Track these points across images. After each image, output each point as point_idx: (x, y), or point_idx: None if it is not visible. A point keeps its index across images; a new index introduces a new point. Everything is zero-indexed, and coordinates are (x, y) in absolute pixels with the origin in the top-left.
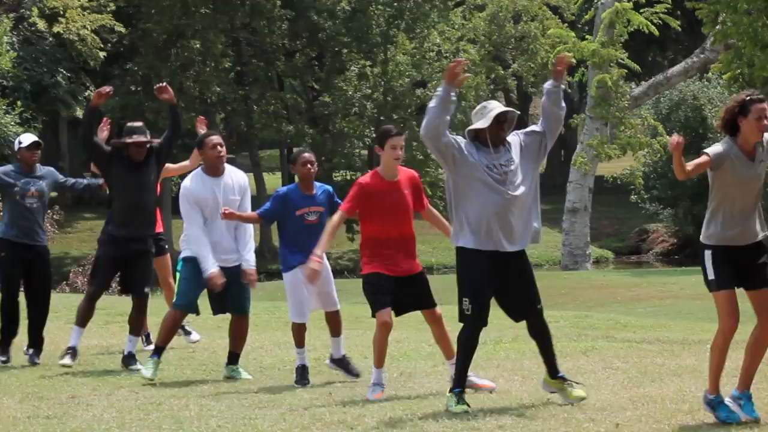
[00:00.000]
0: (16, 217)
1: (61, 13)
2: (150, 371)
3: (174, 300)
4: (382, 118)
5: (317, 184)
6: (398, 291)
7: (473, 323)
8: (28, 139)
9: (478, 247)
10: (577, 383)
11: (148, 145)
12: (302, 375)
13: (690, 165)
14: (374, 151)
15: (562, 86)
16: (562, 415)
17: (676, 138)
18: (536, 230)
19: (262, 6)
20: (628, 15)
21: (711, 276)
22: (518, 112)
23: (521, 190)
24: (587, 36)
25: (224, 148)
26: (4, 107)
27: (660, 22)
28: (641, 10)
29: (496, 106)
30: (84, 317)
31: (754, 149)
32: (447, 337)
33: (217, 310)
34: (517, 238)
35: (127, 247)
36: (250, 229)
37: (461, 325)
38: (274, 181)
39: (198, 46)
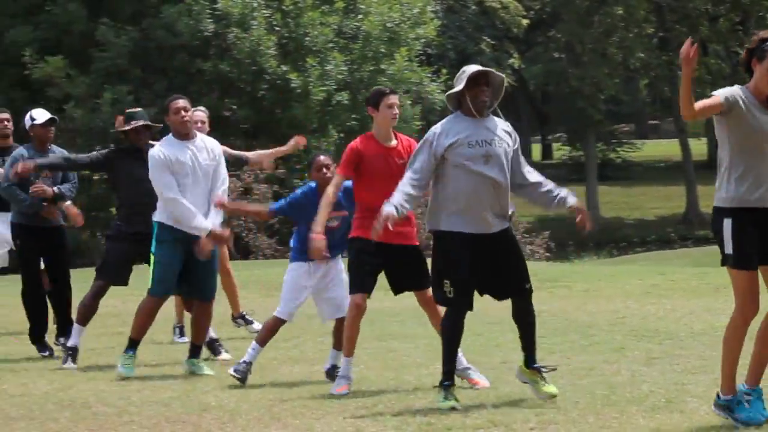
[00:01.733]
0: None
1: None
2: (127, 369)
3: (149, 287)
4: None
5: None
6: (392, 269)
7: (457, 307)
8: (42, 115)
9: (453, 229)
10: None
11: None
12: (331, 375)
13: (699, 104)
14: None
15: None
16: None
17: (687, 46)
18: (511, 213)
19: None
20: None
21: (729, 250)
22: (502, 75)
23: (501, 169)
24: None
25: (188, 112)
26: (429, 75)
27: None
28: None
29: (472, 67)
30: (86, 315)
31: (767, 99)
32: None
33: (185, 293)
34: (496, 219)
35: (140, 244)
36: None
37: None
38: (699, 147)
39: (621, 12)
